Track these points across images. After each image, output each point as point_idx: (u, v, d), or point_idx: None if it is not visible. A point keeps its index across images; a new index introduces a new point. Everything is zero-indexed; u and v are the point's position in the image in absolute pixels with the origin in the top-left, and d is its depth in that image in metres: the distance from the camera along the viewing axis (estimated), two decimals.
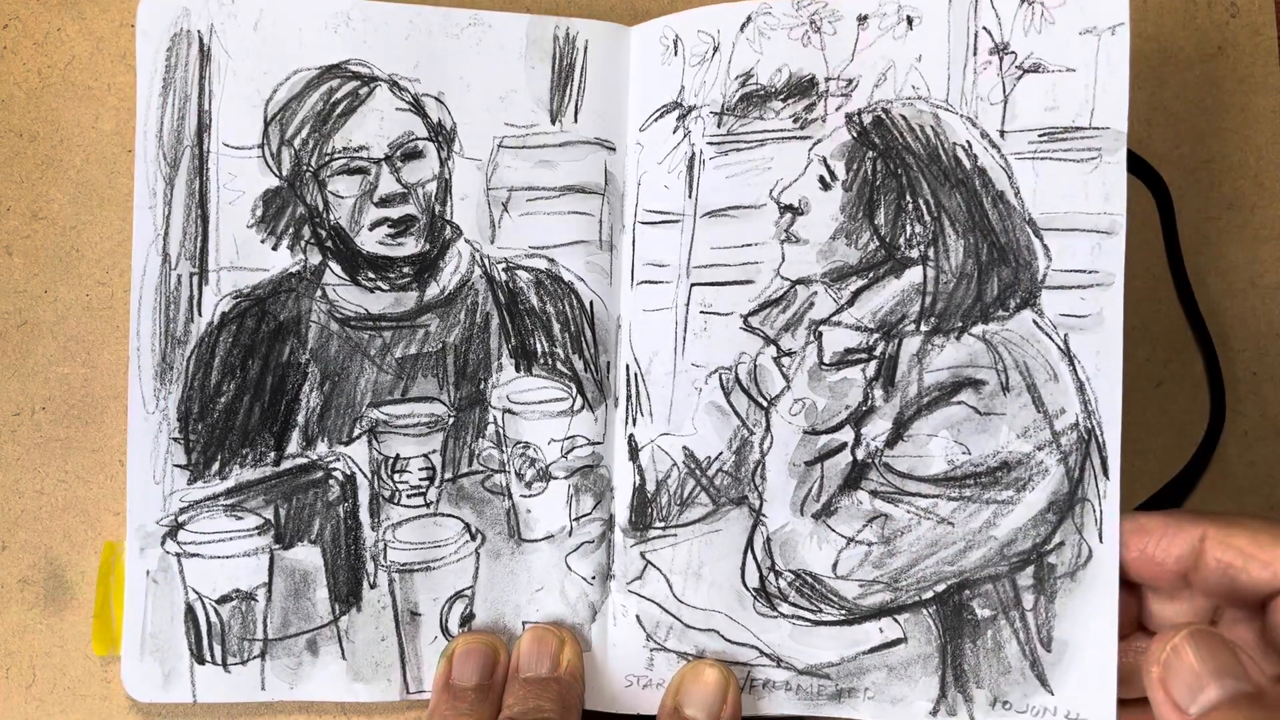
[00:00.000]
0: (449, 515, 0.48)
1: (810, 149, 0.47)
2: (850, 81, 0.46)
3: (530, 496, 0.49)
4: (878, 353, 0.46)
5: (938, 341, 0.45)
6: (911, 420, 0.45)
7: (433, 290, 0.49)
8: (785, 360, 0.47)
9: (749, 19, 0.47)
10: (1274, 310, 0.54)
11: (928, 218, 0.45)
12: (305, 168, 0.48)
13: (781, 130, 0.47)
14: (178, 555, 0.47)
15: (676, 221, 0.48)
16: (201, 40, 0.47)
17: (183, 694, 0.47)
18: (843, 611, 0.46)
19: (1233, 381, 0.53)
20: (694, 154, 0.48)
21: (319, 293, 0.48)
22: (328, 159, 0.48)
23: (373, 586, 0.48)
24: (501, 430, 0.49)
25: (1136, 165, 0.54)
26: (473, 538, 0.48)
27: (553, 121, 0.49)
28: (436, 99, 0.48)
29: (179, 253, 0.47)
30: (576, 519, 0.49)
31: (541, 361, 0.49)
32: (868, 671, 0.46)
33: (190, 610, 0.47)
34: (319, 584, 0.48)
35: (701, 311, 0.47)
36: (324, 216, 0.48)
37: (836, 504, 0.46)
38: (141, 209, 0.47)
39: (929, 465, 0.45)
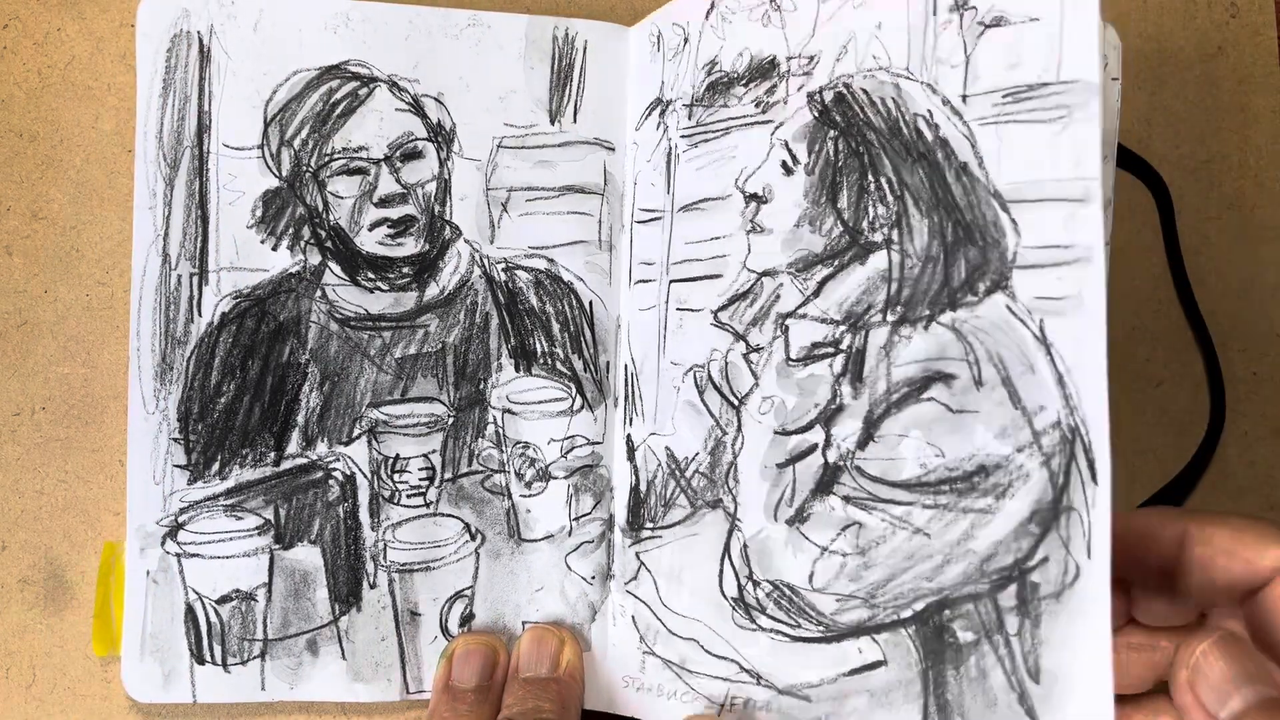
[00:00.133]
0: (449, 515, 0.48)
1: (772, 133, 0.44)
2: (811, 59, 0.43)
3: (530, 496, 0.49)
4: (844, 346, 0.42)
5: (905, 333, 0.41)
6: (881, 419, 0.42)
7: (432, 290, 0.49)
8: (754, 356, 0.44)
9: (713, 6, 0.46)
10: (1274, 310, 0.53)
11: (890, 198, 0.41)
12: (305, 168, 0.48)
13: (745, 116, 0.45)
14: (178, 555, 0.47)
15: (660, 219, 0.47)
16: (201, 41, 0.47)
17: (183, 694, 0.47)
18: (820, 628, 0.43)
19: (1233, 381, 0.53)
20: (670, 149, 0.47)
21: (319, 293, 0.48)
22: (327, 159, 0.48)
23: (373, 586, 0.48)
24: (501, 430, 0.49)
25: (1136, 165, 0.54)
26: (472, 538, 0.48)
27: (552, 122, 0.49)
28: (436, 99, 0.48)
29: (179, 253, 0.47)
30: (576, 519, 0.49)
31: (541, 361, 0.49)
32: (849, 696, 0.42)
33: (190, 610, 0.47)
34: (319, 584, 0.48)
35: (678, 309, 0.46)
36: (324, 217, 0.48)
37: (809, 510, 0.43)
38: (141, 209, 0.47)
39: (901, 469, 0.41)
